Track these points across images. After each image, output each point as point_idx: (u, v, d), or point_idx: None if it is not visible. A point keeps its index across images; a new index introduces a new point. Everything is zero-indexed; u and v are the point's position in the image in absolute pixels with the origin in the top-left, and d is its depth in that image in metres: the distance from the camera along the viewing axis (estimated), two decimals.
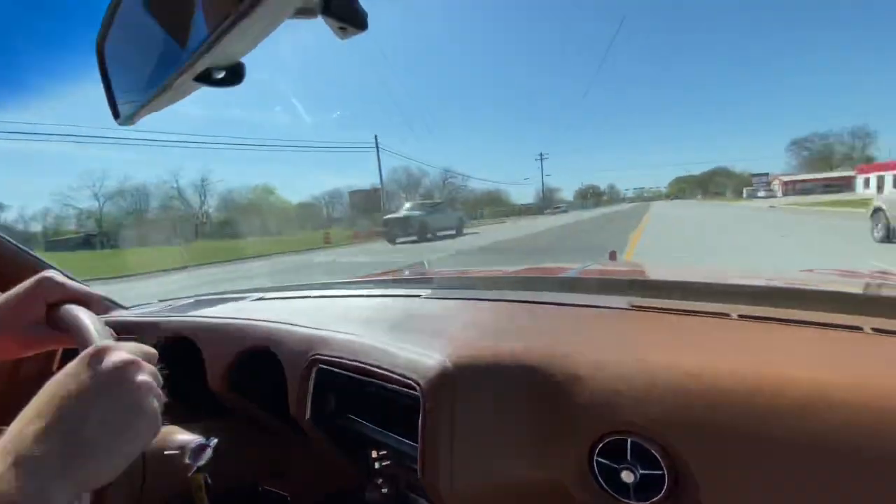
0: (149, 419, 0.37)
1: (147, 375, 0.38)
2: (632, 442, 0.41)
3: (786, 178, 62.69)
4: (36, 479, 0.29)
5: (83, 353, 0.37)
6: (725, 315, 0.54)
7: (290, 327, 0.68)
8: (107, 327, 0.45)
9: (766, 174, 70.60)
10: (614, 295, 0.67)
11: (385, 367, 0.53)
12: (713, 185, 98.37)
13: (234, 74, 0.25)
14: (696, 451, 0.38)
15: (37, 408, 0.33)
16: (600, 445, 0.42)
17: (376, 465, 0.63)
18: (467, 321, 0.62)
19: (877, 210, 7.51)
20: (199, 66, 0.24)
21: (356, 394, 0.61)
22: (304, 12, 0.27)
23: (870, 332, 0.45)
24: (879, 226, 7.37)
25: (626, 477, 0.41)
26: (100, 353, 0.37)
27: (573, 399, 0.44)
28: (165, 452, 0.63)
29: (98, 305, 0.52)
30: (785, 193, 54.87)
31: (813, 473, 0.34)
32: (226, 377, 0.72)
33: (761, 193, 55.61)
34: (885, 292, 0.62)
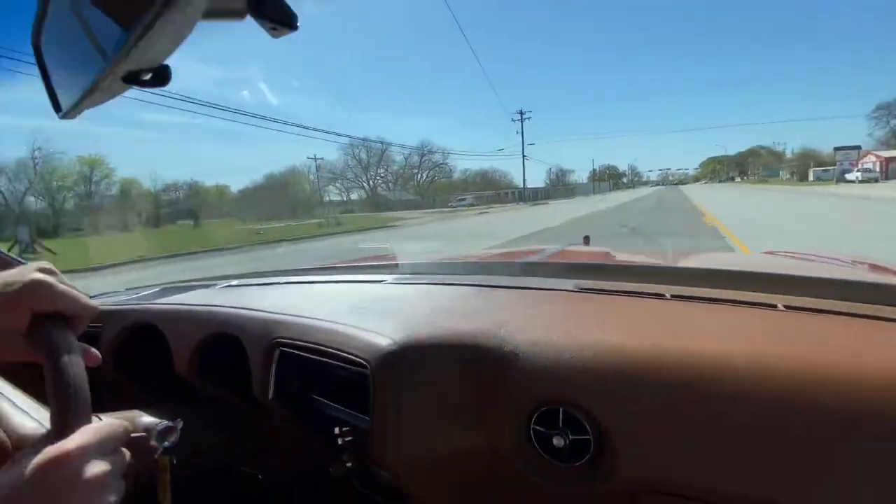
0: None
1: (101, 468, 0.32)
2: (563, 411, 0.45)
3: (886, 154, 41.82)
4: None
5: (36, 454, 0.30)
6: (661, 295, 0.58)
7: (253, 312, 0.70)
8: (83, 378, 0.38)
9: (857, 147, 46.69)
10: (565, 278, 0.71)
11: (338, 347, 0.55)
12: (752, 164, 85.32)
13: (160, 76, 0.26)
14: (615, 418, 0.42)
15: None
16: (536, 415, 0.46)
17: (339, 441, 0.66)
18: (422, 304, 0.64)
19: None
20: (123, 69, 0.25)
21: (318, 374, 0.64)
22: (230, 14, 0.28)
23: (782, 308, 0.50)
24: None
25: (557, 442, 0.45)
26: (58, 462, 0.30)
27: (511, 374, 0.47)
28: (132, 435, 0.65)
29: (84, 323, 0.43)
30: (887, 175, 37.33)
31: (716, 435, 0.38)
32: (193, 362, 0.74)
33: (855, 174, 37.41)
34: (806, 273, 0.67)
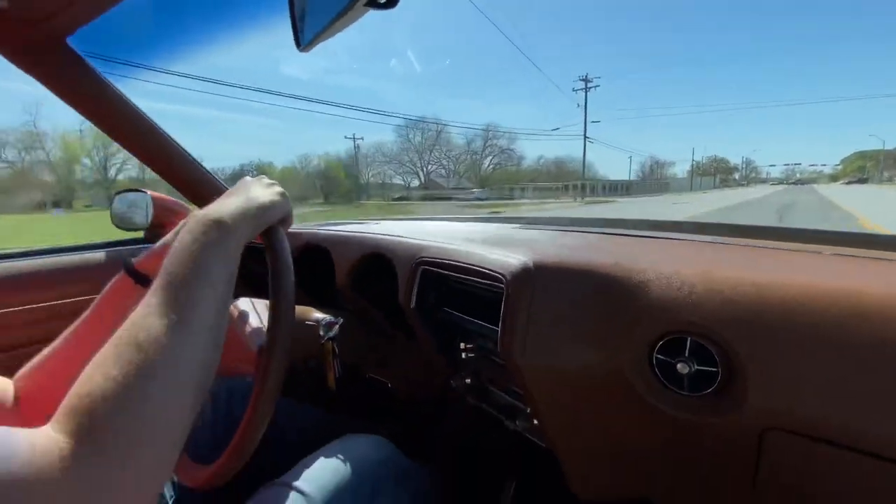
0: (280, 197, 0.52)
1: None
2: (691, 340, 0.46)
3: None
4: (230, 221, 0.43)
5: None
6: (818, 253, 0.55)
7: (402, 239, 0.82)
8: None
9: None
10: (702, 234, 0.69)
11: (476, 263, 0.63)
12: None
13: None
14: (751, 349, 0.42)
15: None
16: (661, 343, 0.48)
17: (463, 356, 0.75)
18: (551, 242, 0.69)
19: None
20: None
21: (451, 291, 0.73)
22: None
23: None
24: None
25: (682, 369, 0.46)
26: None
27: (639, 301, 0.50)
28: (306, 323, 0.82)
29: (288, 226, 0.61)
30: None
31: (851, 370, 0.37)
32: (349, 276, 0.89)
33: None
34: None
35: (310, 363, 0.85)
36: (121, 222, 1.16)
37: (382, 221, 1.13)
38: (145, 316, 0.35)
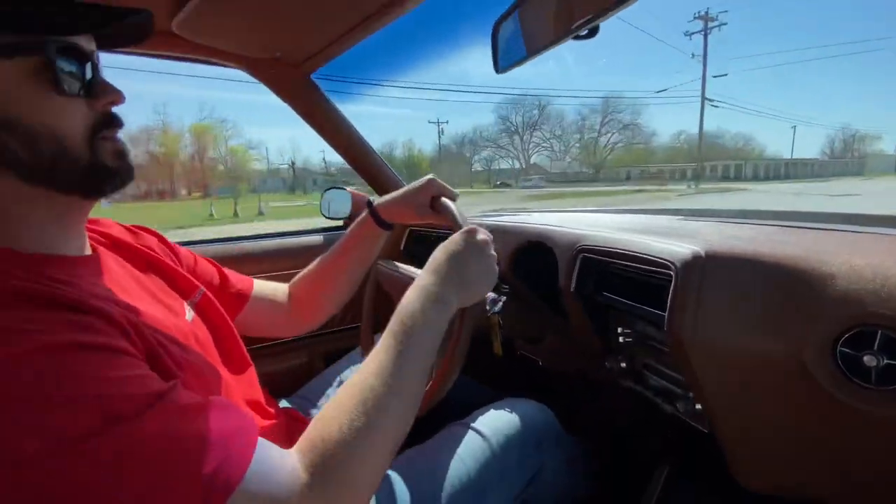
0: (493, 277, 0.58)
1: (492, 249, 0.59)
2: (881, 334, 0.46)
3: None
4: (444, 299, 0.51)
5: (463, 230, 0.59)
6: None
7: (562, 228, 0.91)
8: (465, 216, 0.71)
9: None
10: (889, 227, 0.63)
11: (640, 251, 0.68)
12: None
13: (593, 31, 0.44)
14: None
15: (435, 265, 0.54)
16: (847, 335, 0.48)
17: (620, 340, 0.81)
18: (719, 232, 0.70)
19: None
20: (580, 30, 0.43)
21: (611, 277, 0.79)
22: None
23: None
24: None
25: (869, 362, 0.46)
26: (472, 232, 0.58)
27: (826, 292, 0.50)
28: None
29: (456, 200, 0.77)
30: None
31: None
32: (510, 262, 1.01)
33: None
34: None
35: (477, 333, 0.99)
36: (329, 213, 1.48)
37: (536, 213, 1.23)
38: (379, 353, 0.46)
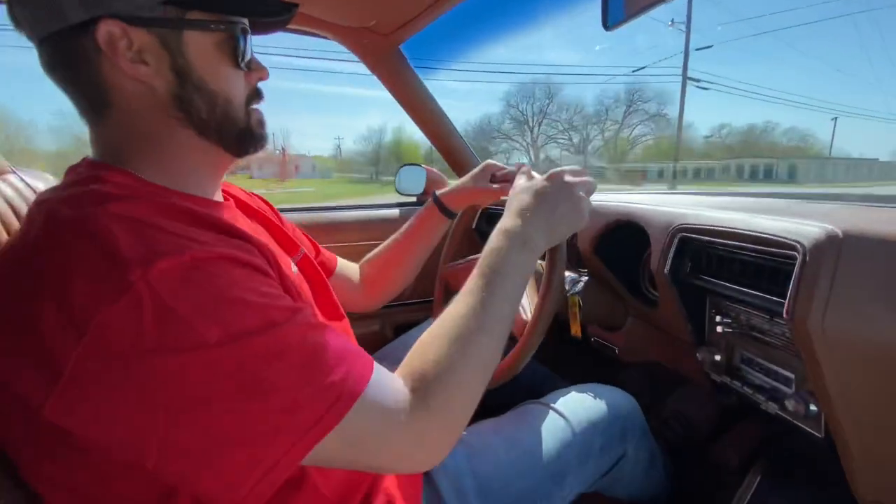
0: (581, 217, 0.56)
1: (583, 190, 0.57)
2: None
3: None
4: (530, 240, 0.51)
5: (547, 174, 0.57)
6: None
7: (657, 207, 0.85)
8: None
9: None
10: None
11: (758, 230, 0.62)
12: None
13: None
14: None
15: (519, 206, 0.54)
16: None
17: (718, 329, 0.74)
18: (855, 214, 0.61)
19: None
20: None
21: (711, 259, 0.72)
22: None
23: None
24: None
25: None
26: (557, 174, 0.57)
27: None
28: None
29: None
30: None
31: None
32: (593, 242, 0.96)
33: None
34: None
35: (560, 316, 0.96)
36: (402, 189, 1.50)
37: (623, 194, 1.16)
38: (467, 295, 0.47)
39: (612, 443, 0.70)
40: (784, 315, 0.55)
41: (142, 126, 0.43)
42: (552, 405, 0.72)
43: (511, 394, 0.81)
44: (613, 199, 1.03)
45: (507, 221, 0.53)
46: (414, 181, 1.49)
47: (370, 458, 0.38)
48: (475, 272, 0.49)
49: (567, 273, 0.94)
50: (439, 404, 0.40)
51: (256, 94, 0.49)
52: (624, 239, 0.91)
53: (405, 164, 1.52)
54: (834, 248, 0.52)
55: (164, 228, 0.35)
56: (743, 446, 0.94)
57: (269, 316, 0.35)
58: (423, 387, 0.40)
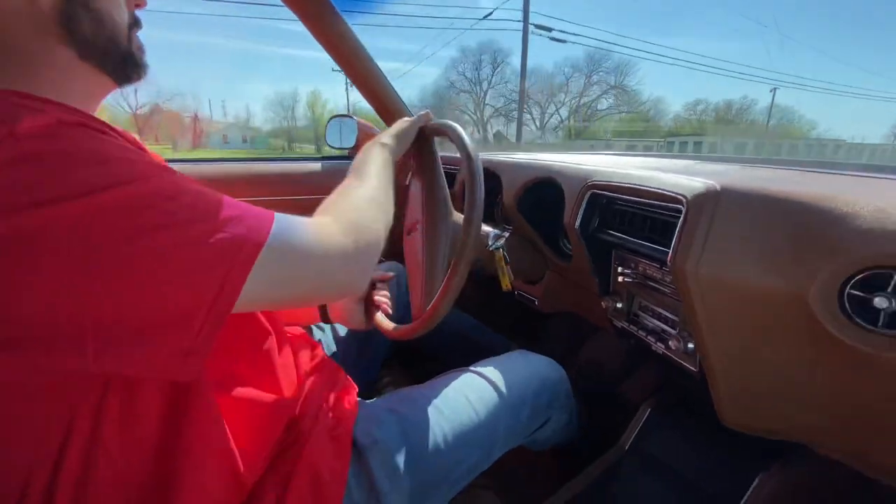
0: (414, 123, 0.74)
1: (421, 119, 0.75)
2: None
3: None
4: (382, 141, 0.68)
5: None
6: None
7: (572, 165, 0.87)
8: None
9: None
10: None
11: (653, 186, 0.65)
12: None
13: None
14: None
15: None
16: (860, 276, 0.46)
17: (620, 279, 0.79)
18: (739, 172, 0.67)
19: None
20: None
21: (616, 215, 0.77)
22: None
23: None
24: None
25: (880, 303, 0.44)
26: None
27: (842, 231, 0.47)
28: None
29: (428, 121, 0.81)
30: None
31: None
32: (516, 198, 0.98)
33: None
34: None
35: (477, 265, 0.98)
36: (332, 142, 1.43)
37: (547, 154, 1.18)
38: (347, 184, 0.59)
39: (538, 411, 0.74)
40: (668, 263, 0.59)
41: (15, 41, 0.39)
42: (486, 376, 0.73)
43: (444, 342, 0.84)
44: (539, 156, 1.04)
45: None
46: (345, 133, 1.43)
47: (299, 280, 0.42)
48: (353, 166, 0.63)
49: (491, 229, 0.95)
50: (362, 226, 0.49)
51: (137, 21, 0.48)
52: (545, 196, 0.93)
53: (335, 116, 1.44)
54: (711, 201, 0.57)
55: (30, 106, 0.33)
56: (645, 386, 1.04)
57: (150, 169, 0.35)
58: (328, 213, 0.49)
